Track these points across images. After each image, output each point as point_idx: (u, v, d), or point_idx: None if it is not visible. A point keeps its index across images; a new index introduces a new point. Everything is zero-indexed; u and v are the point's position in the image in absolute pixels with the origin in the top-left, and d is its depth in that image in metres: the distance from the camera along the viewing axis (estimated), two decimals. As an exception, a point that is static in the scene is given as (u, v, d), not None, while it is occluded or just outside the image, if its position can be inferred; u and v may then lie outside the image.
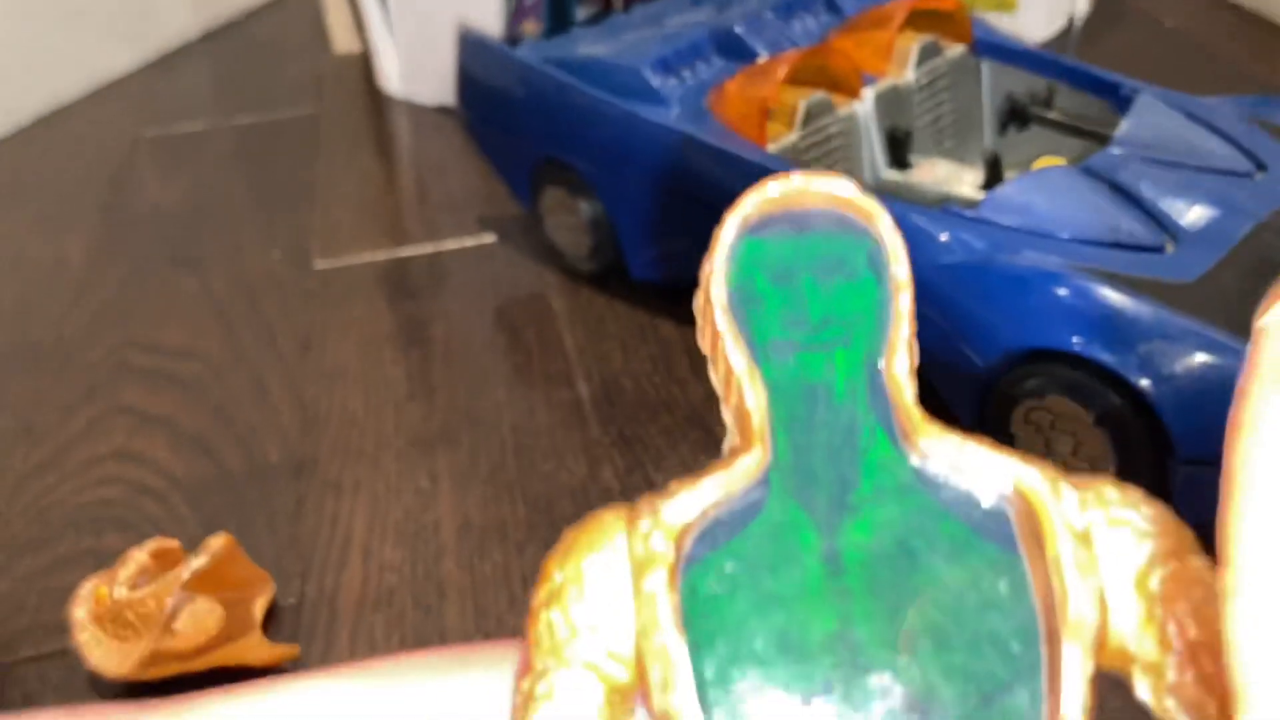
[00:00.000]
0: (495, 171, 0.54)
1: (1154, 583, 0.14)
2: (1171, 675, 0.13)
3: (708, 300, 0.15)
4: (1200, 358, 0.33)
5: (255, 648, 0.34)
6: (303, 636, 0.35)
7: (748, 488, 0.14)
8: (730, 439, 0.15)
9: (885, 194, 0.41)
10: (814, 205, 0.16)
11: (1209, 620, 0.13)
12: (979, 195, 0.45)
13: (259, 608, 0.35)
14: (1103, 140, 0.43)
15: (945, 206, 0.38)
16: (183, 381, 0.48)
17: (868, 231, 0.15)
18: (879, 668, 0.13)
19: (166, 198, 0.64)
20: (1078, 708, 0.13)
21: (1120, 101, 0.44)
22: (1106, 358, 0.34)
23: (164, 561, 0.35)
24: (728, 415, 0.15)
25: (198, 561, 0.34)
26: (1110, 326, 0.34)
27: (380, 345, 0.50)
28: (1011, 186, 0.38)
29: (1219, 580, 0.12)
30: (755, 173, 0.42)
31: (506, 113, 0.51)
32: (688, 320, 0.48)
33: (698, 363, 0.47)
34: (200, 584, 0.34)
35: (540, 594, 0.14)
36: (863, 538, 0.14)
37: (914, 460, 0.14)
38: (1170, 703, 0.13)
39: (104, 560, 0.37)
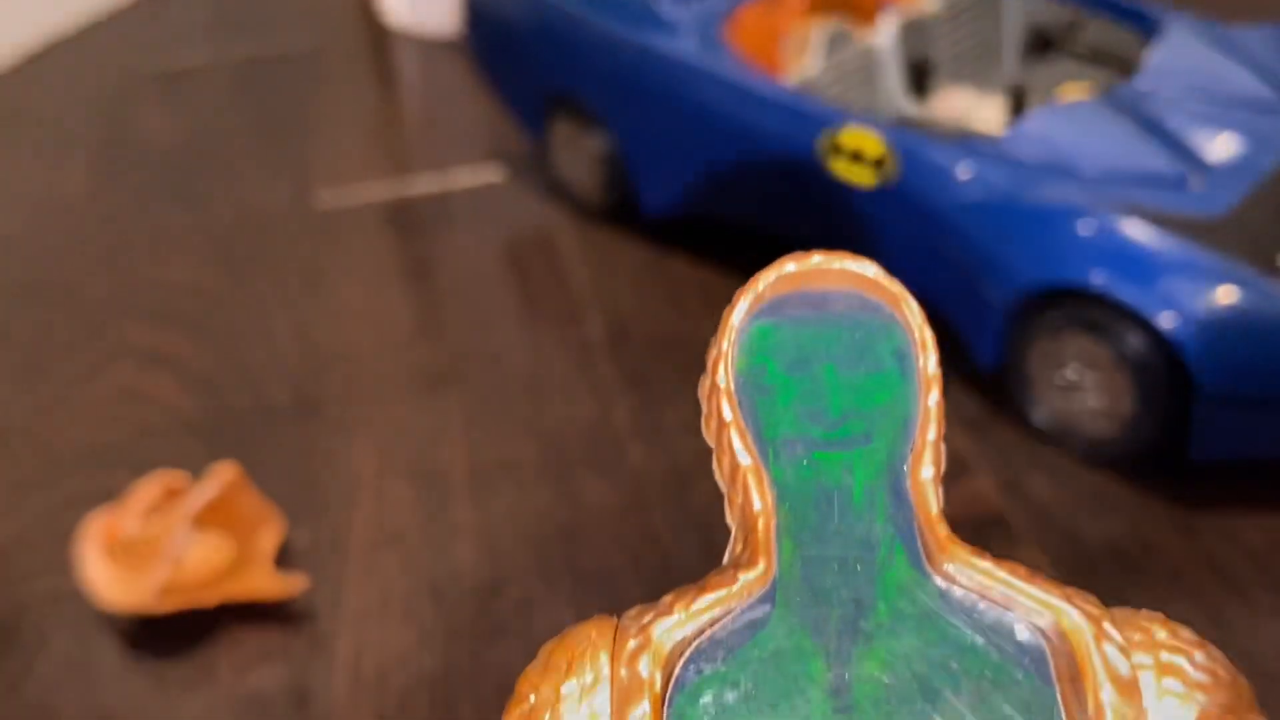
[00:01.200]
0: (502, 106, 0.53)
1: None
2: None
3: (714, 386, 0.14)
4: (1224, 295, 0.32)
5: (265, 580, 0.34)
6: (314, 577, 0.35)
7: (750, 603, 0.13)
8: (734, 545, 0.14)
9: (905, 126, 0.40)
10: (834, 285, 0.14)
11: None
12: (1001, 126, 0.44)
13: (268, 543, 0.35)
14: (1129, 69, 0.42)
15: (966, 140, 0.37)
16: (187, 320, 0.48)
17: (895, 317, 0.14)
18: None
19: (166, 133, 0.63)
20: None
21: (1148, 29, 0.42)
22: (1127, 295, 0.33)
23: (172, 496, 0.35)
24: (731, 517, 0.14)
25: (207, 489, 0.34)
26: (1132, 263, 0.33)
27: (387, 283, 0.49)
28: (1034, 120, 0.37)
29: None
30: (771, 106, 0.41)
31: (515, 45, 0.50)
32: (699, 257, 0.47)
33: (709, 300, 0.46)
34: (209, 518, 0.34)
35: (512, 715, 0.13)
36: (877, 670, 0.12)
37: (938, 583, 0.13)
38: None
39: (114, 499, 0.37)
